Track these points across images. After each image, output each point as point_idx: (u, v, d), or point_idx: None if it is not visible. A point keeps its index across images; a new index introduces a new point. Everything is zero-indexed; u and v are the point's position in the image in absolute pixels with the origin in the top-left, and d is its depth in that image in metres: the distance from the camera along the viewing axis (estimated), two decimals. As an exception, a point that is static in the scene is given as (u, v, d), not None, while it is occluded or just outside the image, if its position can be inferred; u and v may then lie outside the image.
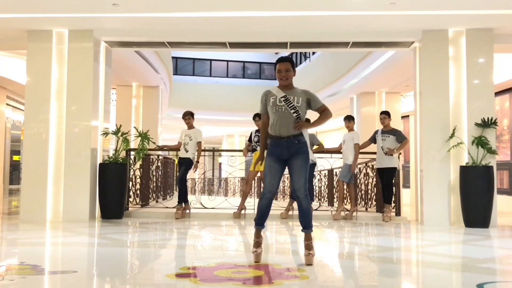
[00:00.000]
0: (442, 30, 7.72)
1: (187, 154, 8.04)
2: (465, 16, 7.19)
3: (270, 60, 26.56)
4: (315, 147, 8.34)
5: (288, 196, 14.72)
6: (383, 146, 7.92)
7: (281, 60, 4.41)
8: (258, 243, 4.34)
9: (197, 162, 8.10)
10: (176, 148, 8.44)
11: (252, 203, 8.35)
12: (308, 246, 4.29)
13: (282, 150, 4.28)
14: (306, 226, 4.31)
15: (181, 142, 8.15)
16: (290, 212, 8.23)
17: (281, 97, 4.32)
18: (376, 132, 8.20)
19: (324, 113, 4.40)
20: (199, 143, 8.09)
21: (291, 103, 4.29)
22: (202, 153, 8.49)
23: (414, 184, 8.66)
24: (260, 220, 4.34)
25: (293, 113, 4.29)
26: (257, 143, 8.12)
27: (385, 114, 8.13)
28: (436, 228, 7.20)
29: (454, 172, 7.53)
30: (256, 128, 8.27)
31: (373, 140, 8.16)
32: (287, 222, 7.86)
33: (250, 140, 8.33)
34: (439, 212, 7.54)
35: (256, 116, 8.20)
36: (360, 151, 8.20)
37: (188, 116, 8.22)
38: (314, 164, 8.26)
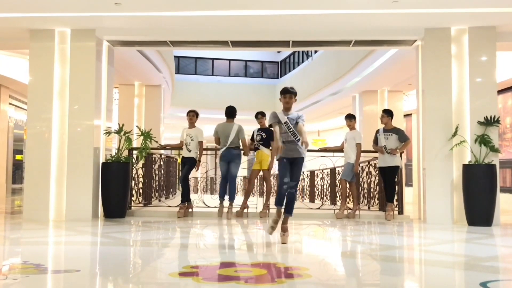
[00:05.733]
0: (445, 28, 7.70)
1: (190, 154, 8.05)
2: (468, 14, 7.17)
3: (272, 59, 26.51)
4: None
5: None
6: (386, 145, 7.90)
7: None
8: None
9: (199, 161, 8.11)
10: (178, 147, 8.45)
11: (254, 202, 8.35)
12: None
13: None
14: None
15: (183, 141, 8.16)
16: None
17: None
18: (377, 131, 8.16)
19: None
20: (200, 143, 8.09)
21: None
22: (204, 152, 8.49)
23: (416, 182, 8.64)
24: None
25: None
26: (260, 142, 8.11)
27: (384, 113, 8.12)
28: (438, 226, 7.19)
29: (457, 170, 7.52)
30: (259, 126, 8.24)
31: (375, 141, 8.11)
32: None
33: (252, 139, 8.30)
34: (442, 210, 7.53)
35: (259, 114, 8.18)
36: (364, 149, 8.18)
37: (192, 114, 8.22)
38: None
